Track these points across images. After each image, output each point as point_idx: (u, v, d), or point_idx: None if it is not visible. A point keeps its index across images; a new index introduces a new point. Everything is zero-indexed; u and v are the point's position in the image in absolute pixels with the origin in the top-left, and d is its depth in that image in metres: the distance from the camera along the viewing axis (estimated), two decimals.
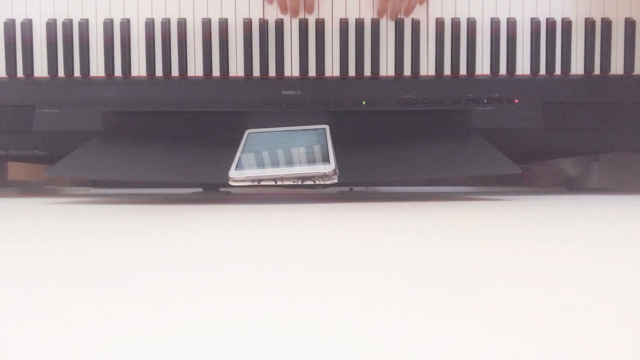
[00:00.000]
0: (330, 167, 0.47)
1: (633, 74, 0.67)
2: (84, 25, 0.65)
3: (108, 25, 0.65)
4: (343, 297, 0.12)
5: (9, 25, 0.65)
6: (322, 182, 0.48)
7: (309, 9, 0.65)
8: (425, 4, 0.66)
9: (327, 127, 0.60)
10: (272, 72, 0.66)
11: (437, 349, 0.08)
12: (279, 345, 0.08)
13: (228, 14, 0.66)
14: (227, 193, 0.82)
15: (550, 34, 0.67)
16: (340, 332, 0.09)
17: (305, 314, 0.10)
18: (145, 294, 0.12)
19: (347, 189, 0.92)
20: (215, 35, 0.66)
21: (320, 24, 0.66)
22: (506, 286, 0.13)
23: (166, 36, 0.65)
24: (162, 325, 0.09)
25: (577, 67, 0.67)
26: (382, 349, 0.08)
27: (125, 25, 0.65)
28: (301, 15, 0.66)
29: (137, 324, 0.10)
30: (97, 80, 0.66)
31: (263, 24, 0.66)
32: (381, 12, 0.66)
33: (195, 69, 0.66)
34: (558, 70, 0.67)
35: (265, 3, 0.66)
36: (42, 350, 0.08)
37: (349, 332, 0.09)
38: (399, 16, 0.66)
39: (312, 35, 0.66)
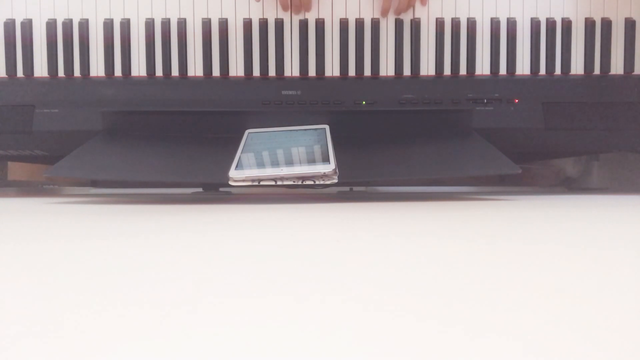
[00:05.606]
0: (330, 167, 0.47)
1: (633, 74, 0.67)
2: (84, 25, 0.65)
3: (108, 25, 0.65)
4: (343, 298, 0.12)
5: (9, 25, 0.65)
6: (322, 182, 0.48)
7: (306, 7, 0.65)
8: (426, 4, 0.66)
9: (327, 127, 0.60)
10: (272, 72, 0.66)
11: (437, 349, 0.08)
12: (279, 346, 0.08)
13: (228, 14, 0.66)
14: (227, 193, 0.82)
15: (550, 34, 0.67)
16: (340, 333, 0.09)
17: (305, 315, 0.10)
18: (145, 294, 0.12)
19: (347, 189, 0.92)
20: (215, 35, 0.66)
21: (320, 24, 0.66)
22: (506, 286, 0.13)
23: (166, 36, 0.65)
24: (162, 326, 0.09)
25: (577, 67, 0.67)
26: (382, 350, 0.08)
27: (125, 25, 0.65)
28: (300, 15, 0.66)
29: (136, 324, 0.10)
30: (97, 80, 0.66)
31: (263, 24, 0.66)
32: (385, 12, 0.65)
33: (195, 69, 0.66)
34: (558, 70, 0.67)
35: (265, 2, 0.66)
36: (42, 350, 0.08)
37: (349, 332, 0.09)
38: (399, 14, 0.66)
39: (312, 35, 0.66)
